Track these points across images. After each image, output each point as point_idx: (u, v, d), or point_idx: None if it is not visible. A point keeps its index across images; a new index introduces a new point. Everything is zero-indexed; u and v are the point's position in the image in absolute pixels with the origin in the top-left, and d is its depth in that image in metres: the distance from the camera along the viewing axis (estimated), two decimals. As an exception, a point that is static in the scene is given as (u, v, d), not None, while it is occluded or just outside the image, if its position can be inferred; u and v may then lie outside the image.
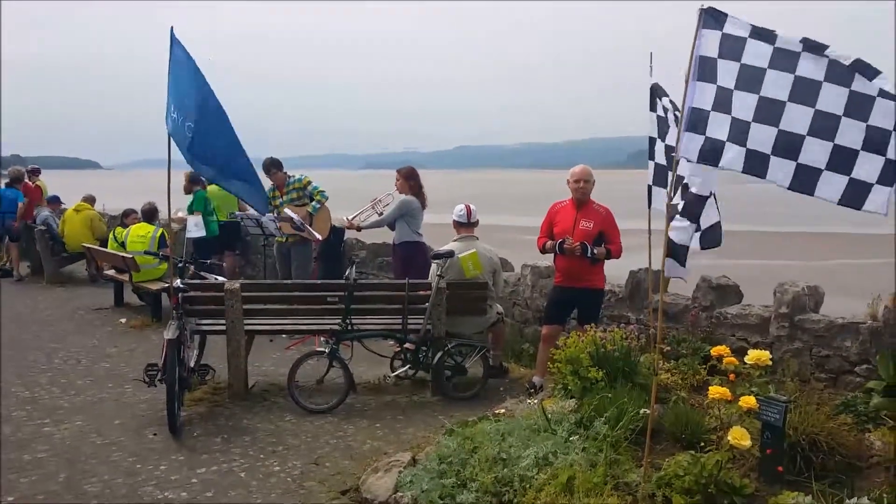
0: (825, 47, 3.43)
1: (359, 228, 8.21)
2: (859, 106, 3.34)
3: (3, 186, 12.99)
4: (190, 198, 10.33)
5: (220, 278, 6.86)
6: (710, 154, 3.75)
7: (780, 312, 5.76)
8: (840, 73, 3.39)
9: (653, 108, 5.10)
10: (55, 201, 13.11)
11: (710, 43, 3.71)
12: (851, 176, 3.37)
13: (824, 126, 3.42)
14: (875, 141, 3.31)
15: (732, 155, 3.67)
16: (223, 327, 6.17)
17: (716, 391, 3.87)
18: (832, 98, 3.41)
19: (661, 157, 5.06)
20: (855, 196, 3.37)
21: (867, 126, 3.33)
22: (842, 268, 17.40)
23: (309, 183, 9.16)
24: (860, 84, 3.36)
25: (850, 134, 3.36)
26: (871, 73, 3.34)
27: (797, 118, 3.47)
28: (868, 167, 3.33)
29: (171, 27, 5.17)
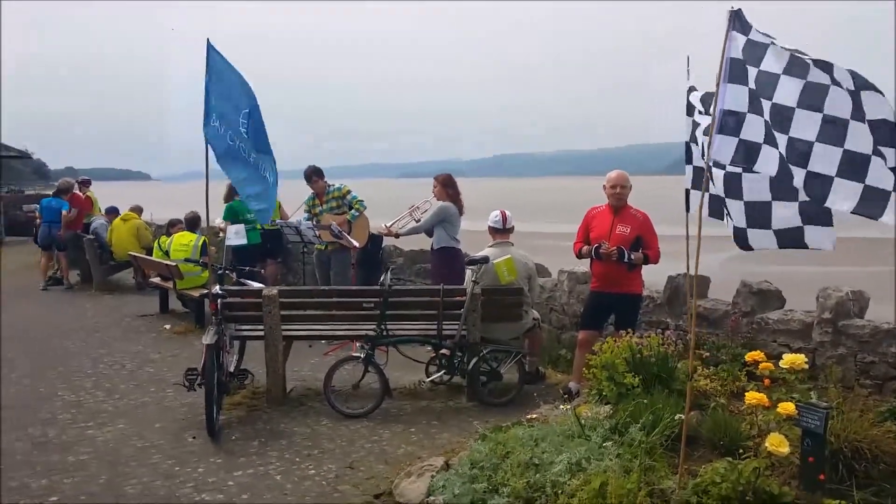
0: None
1: (397, 235, 8.28)
2: (860, 113, 3.32)
3: (49, 197, 13.37)
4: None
5: (259, 285, 6.95)
6: (745, 156, 3.70)
7: (823, 318, 5.63)
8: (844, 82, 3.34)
9: (689, 112, 5.05)
10: (113, 212, 13.42)
11: (740, 46, 3.67)
12: (865, 183, 3.30)
13: (832, 133, 3.36)
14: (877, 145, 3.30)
15: (767, 157, 3.63)
16: (262, 333, 6.25)
17: (753, 397, 3.80)
18: (839, 104, 3.36)
19: (699, 161, 5.00)
20: (870, 203, 3.29)
21: (871, 134, 3.32)
22: (889, 274, 16.89)
23: (348, 192, 9.26)
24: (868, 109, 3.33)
25: (857, 140, 3.33)
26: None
27: (806, 125, 3.42)
28: (878, 173, 3.29)
29: (208, 38, 5.28)
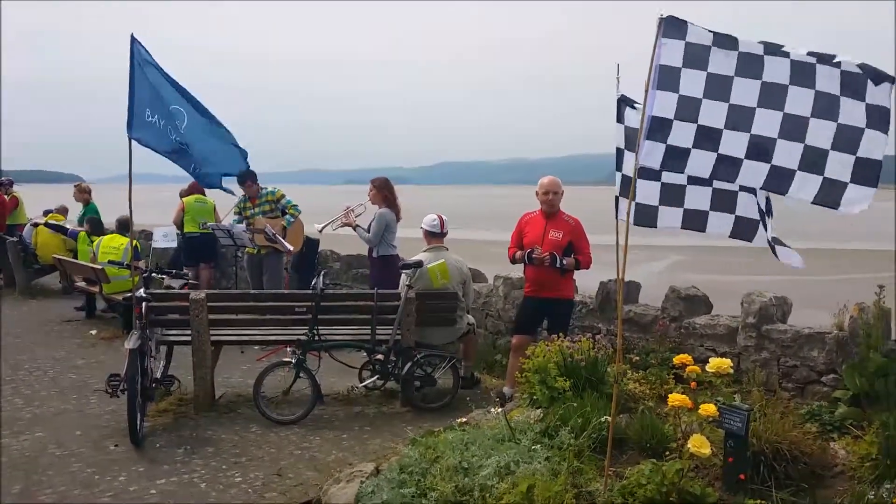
0: (782, 48, 3.50)
1: (354, 227, 8.00)
2: (827, 106, 3.43)
3: None
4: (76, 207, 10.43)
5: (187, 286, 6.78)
6: (674, 162, 3.76)
7: (747, 322, 5.77)
8: (805, 73, 3.47)
9: (620, 119, 5.10)
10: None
11: (672, 52, 3.72)
12: (825, 175, 3.43)
13: (794, 128, 3.48)
14: (844, 139, 3.40)
15: (699, 161, 3.70)
16: (189, 338, 6.09)
17: (675, 398, 3.84)
18: (799, 100, 3.48)
19: (628, 169, 5.06)
20: (830, 195, 3.43)
21: (837, 125, 3.42)
22: (814, 283, 17.52)
23: (282, 196, 9.10)
24: (824, 82, 3.45)
25: (820, 134, 3.44)
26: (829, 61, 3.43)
27: (767, 122, 3.52)
28: (839, 166, 3.41)
29: (132, 33, 5.14)
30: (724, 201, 4.40)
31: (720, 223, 4.43)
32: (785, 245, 3.97)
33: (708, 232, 4.49)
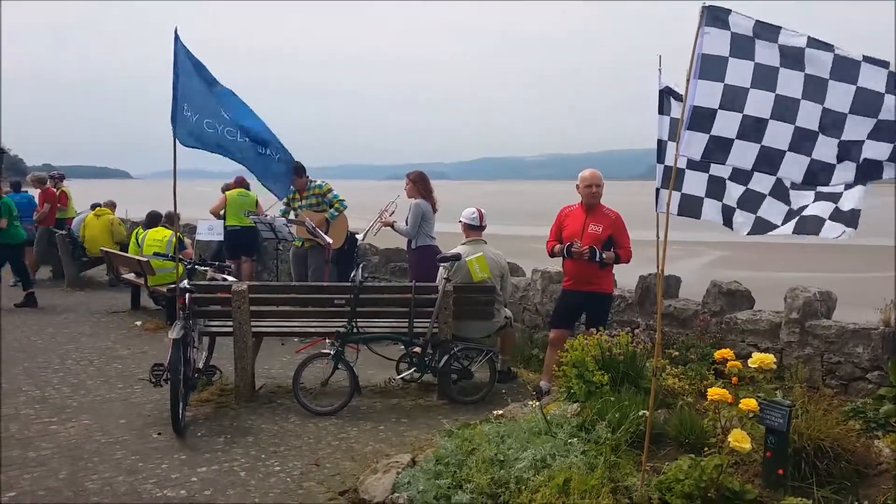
0: (831, 46, 3.49)
1: (392, 225, 8.15)
2: (869, 101, 3.45)
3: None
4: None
5: (231, 279, 6.88)
6: (717, 152, 3.72)
7: (790, 318, 5.67)
8: (848, 69, 3.47)
9: (662, 110, 5.05)
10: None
11: (717, 41, 3.67)
12: (863, 157, 3.49)
13: (833, 123, 3.50)
14: (884, 130, 3.45)
15: (742, 151, 3.66)
16: (231, 329, 6.19)
17: (715, 392, 3.80)
18: (840, 95, 3.49)
19: (670, 160, 5.01)
20: (868, 173, 3.53)
21: (876, 121, 3.46)
22: (858, 280, 17.14)
23: (329, 190, 9.17)
24: (868, 79, 3.46)
25: (858, 129, 3.48)
26: (879, 63, 3.48)
27: (810, 115, 3.50)
28: (877, 149, 3.48)
29: (175, 28, 5.21)
30: (750, 202, 4.34)
31: (743, 221, 4.39)
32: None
33: (735, 230, 4.46)
